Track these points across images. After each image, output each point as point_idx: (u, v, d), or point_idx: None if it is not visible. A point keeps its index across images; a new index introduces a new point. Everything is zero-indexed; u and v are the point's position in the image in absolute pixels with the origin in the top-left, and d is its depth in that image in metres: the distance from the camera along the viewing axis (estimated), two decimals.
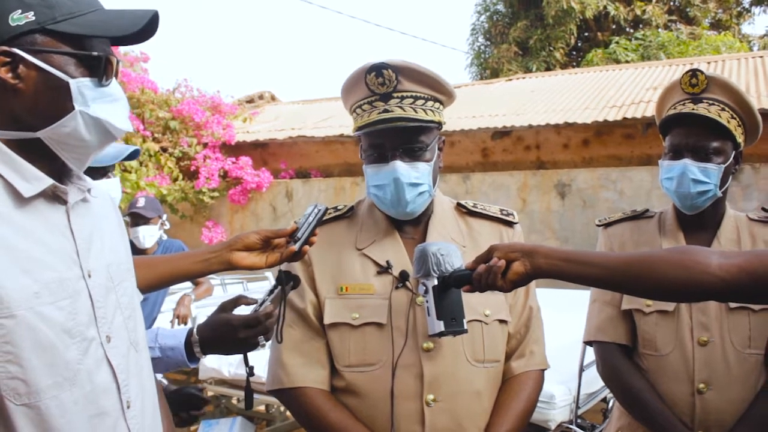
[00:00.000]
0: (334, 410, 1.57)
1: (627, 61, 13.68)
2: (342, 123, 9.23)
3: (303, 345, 1.62)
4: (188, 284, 4.70)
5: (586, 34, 17.28)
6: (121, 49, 9.77)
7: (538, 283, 1.44)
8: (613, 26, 16.71)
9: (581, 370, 3.12)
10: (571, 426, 3.14)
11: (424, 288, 1.44)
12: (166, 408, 1.45)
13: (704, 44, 14.54)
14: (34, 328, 1.04)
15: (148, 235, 4.02)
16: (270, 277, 6.48)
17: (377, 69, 1.56)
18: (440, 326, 1.41)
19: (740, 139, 1.87)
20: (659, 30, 15.68)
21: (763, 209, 1.95)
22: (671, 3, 17.11)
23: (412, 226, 1.69)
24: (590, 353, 2.76)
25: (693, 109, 1.83)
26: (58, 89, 1.11)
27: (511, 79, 12.44)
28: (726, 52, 13.11)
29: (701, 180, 1.82)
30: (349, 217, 1.73)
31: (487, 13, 17.98)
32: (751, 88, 7.95)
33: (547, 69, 15.53)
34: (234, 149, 9.71)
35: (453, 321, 1.42)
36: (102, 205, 1.28)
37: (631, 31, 16.54)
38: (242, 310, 1.56)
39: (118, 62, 1.19)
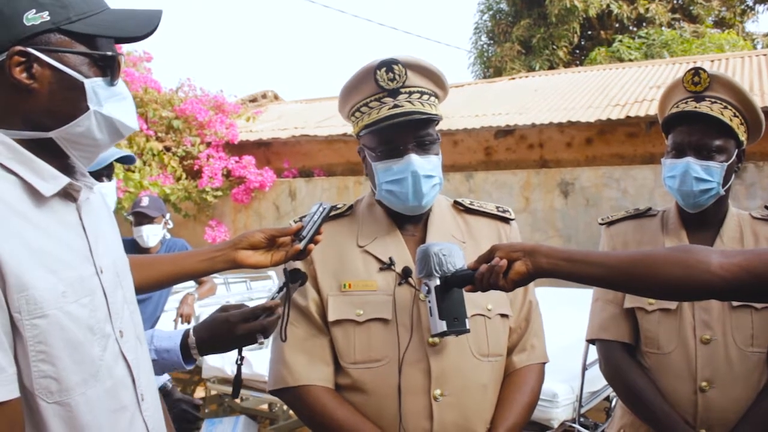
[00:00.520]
0: (341, 408, 1.57)
1: (630, 60, 13.65)
2: (345, 122, 9.16)
3: (306, 343, 1.62)
4: (191, 283, 4.71)
5: (590, 32, 17.26)
6: (125, 49, 9.79)
7: (540, 282, 1.45)
8: (617, 25, 16.67)
9: (584, 368, 3.12)
10: (574, 425, 3.14)
11: (427, 288, 1.44)
12: (163, 404, 1.46)
13: (708, 42, 14.51)
14: (63, 327, 1.06)
15: (152, 235, 4.03)
16: (274, 277, 6.49)
17: (387, 65, 1.59)
18: (443, 326, 1.42)
19: (743, 137, 1.87)
20: (662, 28, 15.65)
21: (766, 207, 1.95)
22: (675, 1, 17.07)
23: (413, 223, 1.70)
24: (593, 352, 2.76)
25: (696, 107, 1.83)
26: (73, 89, 1.12)
27: (514, 78, 12.42)
28: (729, 51, 13.08)
29: (704, 178, 1.82)
30: (349, 215, 1.74)
31: (490, 12, 17.96)
32: (755, 86, 7.93)
33: (551, 68, 15.50)
34: (237, 148, 9.71)
35: (455, 321, 1.43)
36: (98, 201, 1.29)
37: (635, 29, 16.52)
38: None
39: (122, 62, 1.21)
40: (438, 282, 1.43)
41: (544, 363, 1.74)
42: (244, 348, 1.57)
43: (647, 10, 16.14)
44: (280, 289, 1.54)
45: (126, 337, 1.20)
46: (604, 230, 2.06)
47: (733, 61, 9.92)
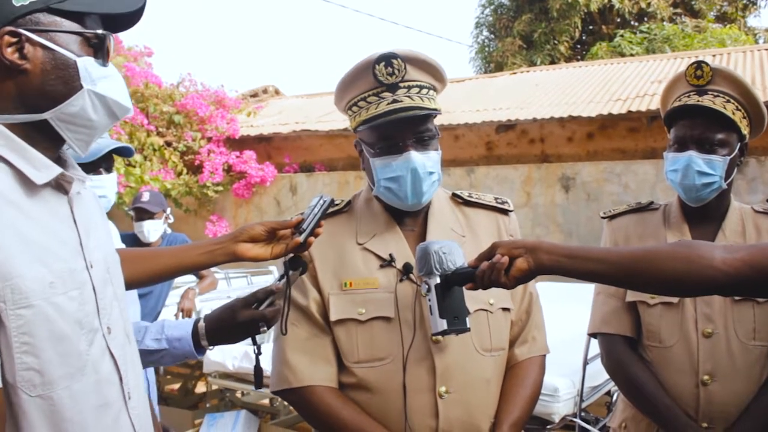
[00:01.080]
0: (346, 407, 1.56)
1: (632, 55, 13.63)
2: (345, 117, 9.18)
3: (308, 343, 1.60)
4: (192, 278, 4.71)
5: (591, 27, 17.22)
6: (125, 44, 9.78)
7: (540, 277, 1.44)
8: (618, 19, 16.63)
9: (585, 363, 3.11)
10: (575, 419, 3.14)
11: (427, 286, 1.43)
12: (151, 404, 1.45)
13: (709, 37, 14.48)
14: (49, 319, 1.04)
15: (153, 230, 4.03)
16: (275, 271, 6.49)
17: (386, 59, 1.55)
18: (443, 325, 1.40)
19: (745, 131, 1.87)
20: (664, 23, 15.62)
21: None
22: None
23: (412, 218, 1.67)
24: (594, 347, 2.76)
25: (698, 101, 1.83)
26: (65, 68, 1.11)
27: (515, 73, 12.41)
28: (731, 45, 13.06)
29: (706, 172, 1.82)
30: (347, 211, 1.71)
31: (492, 7, 17.92)
32: (757, 80, 7.91)
33: (552, 62, 15.48)
34: (238, 143, 9.70)
35: (456, 320, 1.41)
36: (90, 196, 1.28)
37: (636, 24, 16.48)
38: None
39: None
40: (438, 280, 1.41)
41: (545, 355, 1.74)
42: (251, 343, 1.56)
43: (649, 4, 16.10)
44: (281, 277, 1.52)
45: (114, 334, 1.18)
46: (606, 224, 2.06)
47: (735, 55, 9.90)
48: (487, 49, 17.90)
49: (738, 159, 1.88)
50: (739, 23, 16.79)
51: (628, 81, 9.29)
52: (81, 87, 1.12)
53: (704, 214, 1.91)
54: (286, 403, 4.55)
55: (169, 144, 9.43)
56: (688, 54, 11.20)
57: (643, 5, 16.13)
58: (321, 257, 1.62)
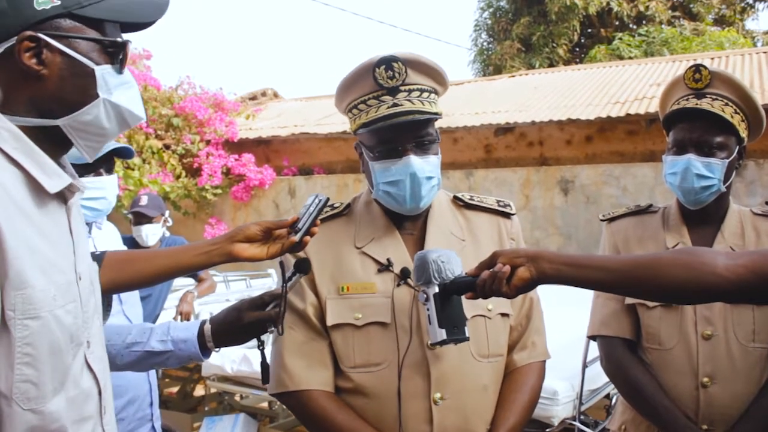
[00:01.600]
0: (341, 412, 1.55)
1: (630, 58, 13.65)
2: (344, 120, 9.13)
3: (305, 347, 1.59)
4: (191, 281, 4.71)
5: (589, 30, 17.24)
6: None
7: None
8: (617, 22, 16.66)
9: (584, 366, 3.11)
10: (574, 422, 3.13)
11: (425, 296, 1.41)
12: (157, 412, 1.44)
13: (708, 40, 14.50)
14: (51, 331, 1.03)
15: (151, 234, 4.02)
16: (273, 274, 6.48)
17: (387, 62, 1.54)
18: (442, 335, 1.39)
19: (744, 134, 1.87)
20: (662, 26, 15.64)
21: (767, 203, 1.95)
22: None
23: (411, 221, 1.66)
24: (593, 350, 2.75)
25: (696, 104, 1.83)
26: (83, 76, 1.10)
27: (514, 76, 12.42)
28: (730, 48, 13.07)
29: (705, 175, 1.82)
30: (346, 214, 1.70)
31: (490, 10, 17.94)
32: (755, 83, 7.93)
33: (550, 65, 15.50)
34: (237, 146, 9.70)
35: (455, 329, 1.39)
36: (78, 206, 1.26)
37: (635, 27, 16.50)
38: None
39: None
40: (437, 290, 1.40)
41: (545, 360, 1.72)
42: (256, 340, 1.56)
43: (647, 7, 16.12)
44: (289, 278, 1.51)
45: (92, 348, 1.15)
46: (606, 226, 2.06)
47: (733, 58, 9.92)
48: (485, 52, 17.92)
49: (736, 162, 1.88)
50: (737, 26, 16.82)
51: (627, 84, 9.30)
52: (97, 96, 1.11)
53: (703, 217, 1.91)
54: (285, 406, 4.54)
55: (167, 147, 9.44)
56: (687, 57, 11.22)
57: (642, 8, 16.16)
58: (319, 261, 1.61)
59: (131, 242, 3.99)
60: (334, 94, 1.68)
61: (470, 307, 1.48)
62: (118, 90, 1.14)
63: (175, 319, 4.28)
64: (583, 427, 3.13)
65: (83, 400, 1.11)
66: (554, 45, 16.24)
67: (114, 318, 2.06)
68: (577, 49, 17.27)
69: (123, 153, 2.52)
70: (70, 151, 1.19)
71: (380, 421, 1.54)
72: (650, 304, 1.89)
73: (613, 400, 3.34)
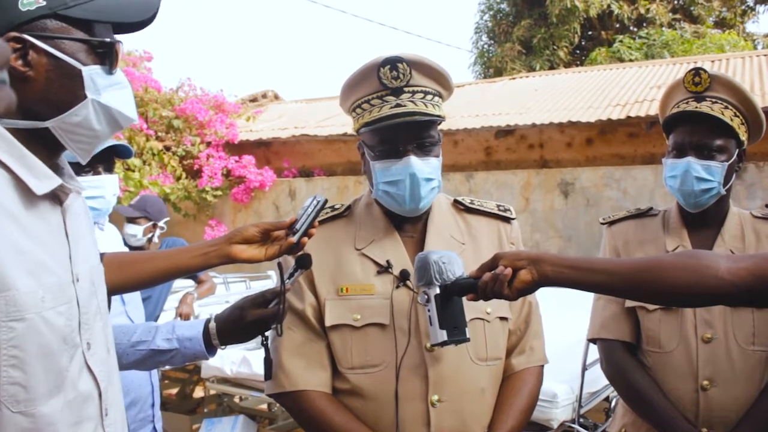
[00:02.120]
0: (338, 413, 1.55)
1: (631, 60, 13.64)
2: (345, 122, 9.22)
3: (303, 347, 1.59)
4: (191, 283, 4.71)
5: (590, 32, 17.25)
6: (125, 49, 9.78)
7: None
8: (617, 25, 16.67)
9: (584, 369, 3.11)
10: (573, 425, 3.13)
11: (426, 297, 1.41)
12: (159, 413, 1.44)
13: (708, 43, 14.50)
14: (39, 333, 1.02)
15: (129, 234, 3.98)
16: (273, 276, 6.48)
17: (392, 62, 1.54)
18: (443, 336, 1.39)
19: (744, 137, 1.87)
20: (663, 28, 15.64)
21: (767, 206, 1.95)
22: (675, 2, 17.07)
23: (411, 224, 1.66)
24: (593, 352, 2.75)
25: (696, 107, 1.83)
26: (70, 77, 1.09)
27: (514, 78, 12.42)
28: (730, 51, 13.07)
29: (705, 178, 1.82)
30: (347, 216, 1.70)
31: (491, 12, 17.95)
32: (755, 86, 7.93)
33: (551, 68, 15.50)
34: (237, 148, 9.70)
35: (455, 330, 1.39)
36: (80, 206, 1.25)
37: (635, 29, 16.51)
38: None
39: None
40: (438, 291, 1.40)
41: (543, 365, 1.72)
42: (264, 337, 1.56)
43: (648, 10, 16.14)
44: (291, 274, 1.52)
45: (93, 350, 1.14)
46: (606, 230, 2.06)
47: (733, 61, 9.92)
48: (486, 54, 17.92)
49: (736, 165, 1.88)
50: (737, 29, 16.83)
51: (627, 86, 9.30)
52: (85, 97, 1.10)
53: (703, 219, 1.91)
54: (282, 407, 4.54)
55: (168, 148, 9.44)
56: (687, 59, 11.22)
57: (642, 11, 16.17)
58: (319, 262, 1.60)
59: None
60: (339, 93, 1.68)
61: (469, 310, 1.47)
62: (107, 91, 1.13)
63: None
64: (582, 430, 3.13)
65: (81, 403, 1.10)
66: (555, 47, 16.24)
67: (117, 319, 2.06)
68: (578, 52, 17.28)
69: (121, 152, 2.51)
70: (67, 151, 1.18)
71: (377, 423, 1.54)
72: (650, 307, 1.88)
73: (613, 403, 3.34)
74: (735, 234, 1.90)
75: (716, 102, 1.83)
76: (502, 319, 1.65)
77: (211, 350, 1.60)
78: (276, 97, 13.50)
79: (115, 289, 1.46)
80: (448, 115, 1.66)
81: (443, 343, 1.40)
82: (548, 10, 15.85)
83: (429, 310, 1.41)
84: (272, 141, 9.88)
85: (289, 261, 1.61)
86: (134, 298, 2.46)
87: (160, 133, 9.49)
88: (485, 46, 18.22)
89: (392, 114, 1.53)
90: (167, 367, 4.67)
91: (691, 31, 15.83)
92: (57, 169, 1.16)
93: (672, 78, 9.02)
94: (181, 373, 5.40)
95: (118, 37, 1.16)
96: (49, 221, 1.10)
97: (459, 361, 1.55)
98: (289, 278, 1.52)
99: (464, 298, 1.42)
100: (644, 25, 16.46)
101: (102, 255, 1.44)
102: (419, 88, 1.57)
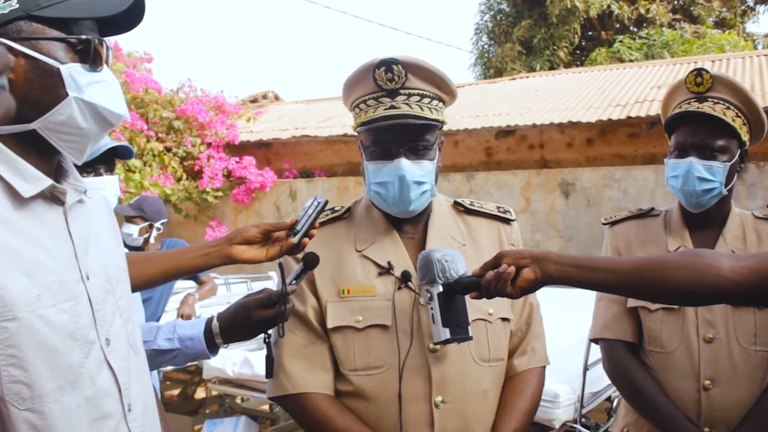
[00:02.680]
0: (341, 415, 1.54)
1: (631, 60, 13.65)
2: (345, 122, 9.23)
3: (305, 349, 1.59)
4: (192, 284, 4.71)
5: (590, 33, 17.25)
6: (125, 50, 9.80)
7: None
8: (617, 25, 16.67)
9: (585, 369, 3.11)
10: (575, 425, 3.14)
11: (429, 295, 1.41)
12: (163, 413, 1.44)
13: (708, 43, 14.50)
14: (36, 331, 1.03)
15: (126, 233, 3.99)
16: (274, 277, 6.48)
17: (387, 64, 1.54)
18: (446, 334, 1.39)
19: (745, 137, 1.88)
20: (663, 29, 15.65)
21: None
22: (675, 2, 17.08)
23: (412, 225, 1.66)
24: (594, 352, 2.75)
25: (698, 107, 1.84)
26: (49, 76, 1.09)
27: (514, 79, 12.42)
28: (730, 51, 13.08)
29: (707, 178, 1.82)
30: (347, 218, 1.70)
31: (491, 13, 17.95)
32: (756, 86, 7.93)
33: (551, 68, 15.50)
34: (238, 149, 9.71)
35: (458, 328, 1.39)
36: (97, 205, 1.26)
37: (635, 30, 16.52)
38: None
39: (108, 49, 1.17)
40: (441, 289, 1.39)
41: (545, 366, 1.72)
42: (267, 335, 1.56)
43: (648, 10, 16.14)
44: (298, 275, 1.52)
45: (113, 345, 1.16)
46: (608, 230, 2.06)
47: (733, 61, 9.92)
48: (486, 54, 17.92)
49: (738, 165, 1.89)
50: (737, 29, 16.83)
51: (628, 87, 9.31)
52: (66, 95, 1.10)
53: (705, 220, 1.91)
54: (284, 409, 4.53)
55: (168, 149, 9.44)
56: (687, 60, 11.23)
57: (642, 11, 16.17)
58: (320, 264, 1.59)
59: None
60: (342, 92, 1.69)
61: (471, 311, 1.47)
62: (91, 88, 1.12)
63: None
64: (584, 430, 3.13)
65: (101, 398, 1.12)
66: (555, 48, 16.24)
67: None
68: (578, 52, 17.28)
69: (122, 153, 2.51)
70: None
71: (381, 425, 1.53)
72: (652, 307, 1.89)
73: (615, 403, 3.35)
74: (737, 234, 1.90)
75: (718, 102, 1.83)
76: (504, 320, 1.65)
77: (212, 349, 1.60)
78: (276, 97, 13.50)
79: None
80: (448, 115, 1.66)
81: (446, 341, 1.40)
82: (548, 10, 15.86)
83: (432, 308, 1.41)
84: (273, 142, 9.88)
85: (290, 262, 1.62)
86: (134, 298, 2.46)
87: (160, 134, 9.49)
88: (485, 46, 18.22)
89: (385, 116, 1.53)
90: (169, 368, 4.71)
91: (691, 31, 15.84)
92: (60, 171, 1.17)
93: (672, 78, 9.06)
94: (183, 374, 5.41)
95: (121, 44, 1.16)
96: (47, 222, 1.10)
97: (462, 362, 1.55)
98: (296, 279, 1.52)
99: (467, 297, 1.42)
100: (644, 25, 16.46)
101: None
102: (415, 91, 1.56)
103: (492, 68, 17.07)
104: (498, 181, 8.05)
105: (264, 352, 1.59)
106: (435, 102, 1.59)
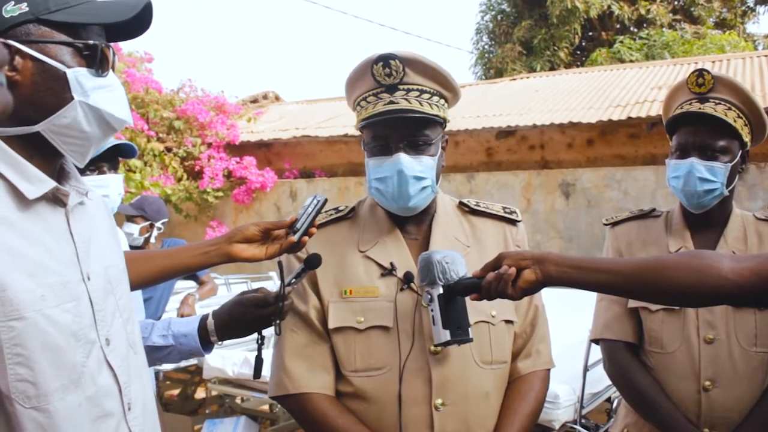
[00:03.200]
0: (341, 416, 1.54)
1: (631, 61, 13.65)
2: (346, 123, 9.23)
3: (306, 350, 1.58)
4: (192, 284, 4.71)
5: (591, 33, 17.25)
6: (125, 50, 9.80)
7: None
8: (618, 26, 16.67)
9: (585, 369, 3.11)
10: (575, 426, 3.14)
11: (429, 297, 1.40)
12: (160, 411, 1.44)
13: (709, 43, 14.50)
14: (42, 331, 1.04)
15: (127, 233, 3.98)
16: (274, 277, 6.48)
17: (384, 59, 1.54)
18: (446, 335, 1.38)
19: (747, 138, 1.88)
20: (663, 29, 15.65)
21: None
22: (675, 2, 17.08)
23: (415, 225, 1.66)
24: (594, 353, 2.75)
25: (700, 108, 1.84)
26: (55, 80, 1.10)
27: (515, 79, 12.42)
28: (730, 52, 13.07)
29: (708, 179, 1.82)
30: (351, 218, 1.70)
31: (492, 13, 17.95)
32: (756, 87, 7.93)
33: (552, 69, 15.50)
34: (238, 149, 9.71)
35: (459, 330, 1.39)
36: (96, 206, 1.27)
37: (636, 30, 16.52)
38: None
39: (114, 55, 1.19)
40: (441, 290, 1.39)
41: (550, 369, 1.70)
42: (261, 336, 1.57)
43: (648, 11, 16.14)
44: (298, 274, 1.52)
45: (113, 345, 1.17)
46: (609, 231, 2.06)
47: (734, 62, 9.92)
48: (487, 55, 17.92)
49: (739, 166, 1.89)
50: (738, 29, 16.84)
51: (628, 87, 9.31)
52: (72, 99, 1.11)
53: (706, 221, 1.91)
54: (284, 409, 4.53)
55: (169, 150, 9.45)
56: (688, 60, 11.23)
57: (643, 12, 16.18)
58: (322, 264, 1.59)
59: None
60: (344, 90, 1.69)
61: (473, 313, 1.46)
62: (96, 92, 1.14)
63: None
64: (584, 431, 3.13)
65: (102, 397, 1.13)
66: (555, 48, 16.25)
67: None
68: (578, 52, 17.29)
69: (126, 151, 2.51)
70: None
71: (380, 426, 1.53)
72: (653, 307, 1.89)
73: (615, 404, 3.35)
74: (738, 236, 1.90)
75: (720, 103, 1.83)
76: (508, 322, 1.63)
77: (206, 347, 1.60)
78: (277, 98, 13.50)
79: None
80: (449, 116, 1.65)
81: (446, 343, 1.40)
82: (549, 10, 15.86)
83: (432, 310, 1.40)
84: (273, 142, 9.89)
85: (292, 260, 1.62)
86: (135, 298, 2.45)
87: (161, 134, 9.50)
88: (486, 46, 18.23)
89: (384, 111, 1.53)
90: (169, 368, 4.70)
91: (691, 31, 15.84)
92: (62, 173, 1.18)
93: (672, 79, 9.06)
94: (183, 374, 5.40)
95: (121, 43, 1.17)
96: (50, 224, 1.12)
97: (463, 364, 1.54)
98: (296, 278, 1.52)
99: (468, 299, 1.41)
100: (644, 25, 16.46)
101: None
102: (415, 86, 1.55)
103: (492, 69, 17.08)
104: (498, 182, 8.05)
105: (265, 351, 1.58)
106: (435, 98, 1.58)
